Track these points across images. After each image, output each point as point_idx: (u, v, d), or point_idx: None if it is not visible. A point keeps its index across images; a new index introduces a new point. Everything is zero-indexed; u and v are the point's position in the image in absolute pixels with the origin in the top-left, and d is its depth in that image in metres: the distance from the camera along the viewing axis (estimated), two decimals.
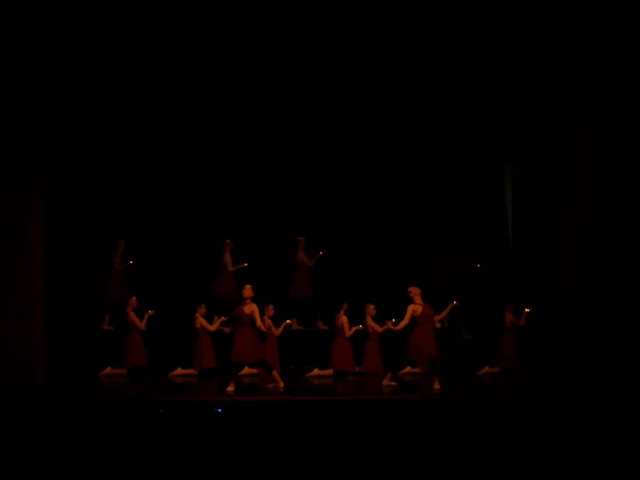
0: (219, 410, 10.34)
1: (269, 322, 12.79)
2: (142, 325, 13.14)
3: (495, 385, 12.62)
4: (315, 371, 13.12)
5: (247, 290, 11.82)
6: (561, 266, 11.91)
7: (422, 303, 11.88)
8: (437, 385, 11.69)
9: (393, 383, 12.04)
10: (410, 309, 11.85)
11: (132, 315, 13.19)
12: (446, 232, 14.89)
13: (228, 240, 14.69)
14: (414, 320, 11.86)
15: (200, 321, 13.24)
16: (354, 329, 13.24)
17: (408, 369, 13.07)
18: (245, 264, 14.53)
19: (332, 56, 11.13)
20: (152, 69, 11.24)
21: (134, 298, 13.28)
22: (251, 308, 11.73)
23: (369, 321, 13.20)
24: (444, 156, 14.65)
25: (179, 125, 13.80)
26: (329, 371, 13.14)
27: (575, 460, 9.62)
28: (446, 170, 14.85)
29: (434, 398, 11.25)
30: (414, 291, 11.92)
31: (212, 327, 13.23)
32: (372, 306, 13.19)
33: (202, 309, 13.32)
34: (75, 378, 12.51)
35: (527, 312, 13.16)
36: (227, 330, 12.90)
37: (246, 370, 12.58)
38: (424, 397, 11.27)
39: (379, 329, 13.11)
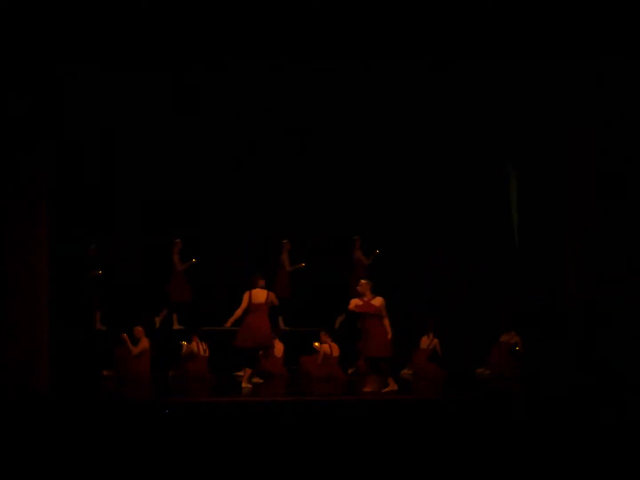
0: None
1: None
2: (134, 350, 13.00)
3: (493, 385, 12.63)
4: None
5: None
6: (563, 266, 11.88)
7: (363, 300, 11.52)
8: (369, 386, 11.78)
9: None
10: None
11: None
12: (450, 232, 14.91)
13: (285, 241, 14.74)
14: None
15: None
16: None
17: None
18: (303, 264, 14.58)
19: (332, 56, 11.11)
20: (152, 69, 11.23)
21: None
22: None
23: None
24: (446, 156, 14.65)
25: (179, 125, 13.80)
26: None
27: (575, 461, 9.66)
28: (448, 170, 14.85)
29: (432, 399, 11.24)
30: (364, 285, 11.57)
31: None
32: None
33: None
34: (80, 379, 12.45)
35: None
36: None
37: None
38: (421, 398, 11.27)
39: None
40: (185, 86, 11.98)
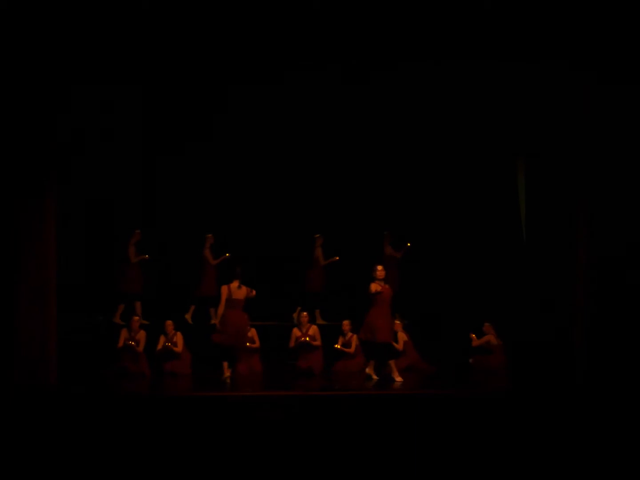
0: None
1: None
2: (139, 347, 13.07)
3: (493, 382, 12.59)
4: None
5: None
6: (571, 262, 11.74)
7: (381, 284, 11.86)
8: (398, 377, 11.77)
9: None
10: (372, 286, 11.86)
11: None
12: (457, 229, 14.95)
13: (318, 235, 14.90)
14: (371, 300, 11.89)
15: None
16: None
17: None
18: (337, 258, 14.73)
19: (338, 58, 11.29)
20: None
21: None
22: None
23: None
24: (454, 153, 14.69)
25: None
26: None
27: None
28: (457, 167, 14.90)
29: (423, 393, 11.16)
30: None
31: None
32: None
33: None
34: (89, 373, 12.48)
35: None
36: None
37: None
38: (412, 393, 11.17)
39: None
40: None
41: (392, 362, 11.89)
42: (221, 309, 11.79)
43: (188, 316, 14.50)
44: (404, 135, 14.52)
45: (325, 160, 15.03)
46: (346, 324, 13.16)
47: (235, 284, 11.78)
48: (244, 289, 11.80)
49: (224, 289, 11.78)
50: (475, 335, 13.21)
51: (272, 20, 10.66)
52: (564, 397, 10.67)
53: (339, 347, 13.10)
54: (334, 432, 10.03)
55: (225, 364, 11.85)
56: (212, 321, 14.15)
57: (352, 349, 13.02)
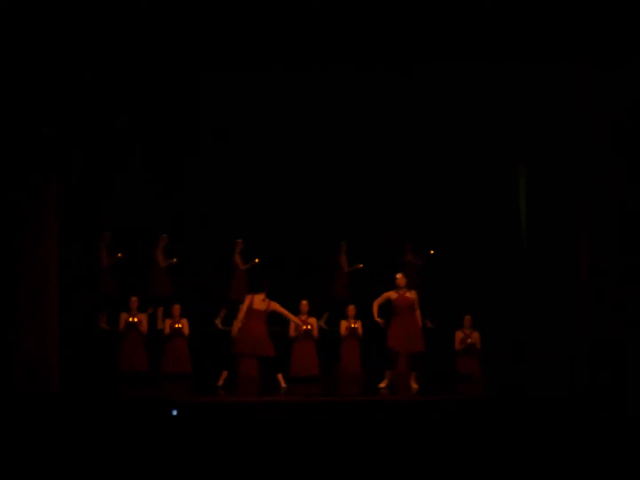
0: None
1: None
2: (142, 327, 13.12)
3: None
4: None
5: None
6: (574, 266, 11.69)
7: (399, 292, 11.74)
8: (414, 385, 11.64)
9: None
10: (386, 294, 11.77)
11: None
12: (458, 234, 14.93)
13: (343, 242, 15.00)
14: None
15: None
16: None
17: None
18: (361, 265, 14.83)
19: (343, 59, 11.27)
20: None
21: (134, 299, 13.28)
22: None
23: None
24: (455, 157, 14.66)
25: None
26: None
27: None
28: (458, 171, 14.87)
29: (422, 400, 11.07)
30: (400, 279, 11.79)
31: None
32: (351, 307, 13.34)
33: None
34: (90, 378, 12.46)
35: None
36: None
37: None
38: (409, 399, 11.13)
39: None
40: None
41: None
42: (240, 315, 11.81)
43: (218, 321, 14.55)
44: (408, 141, 14.51)
45: (342, 170, 15.13)
46: None
47: (260, 297, 11.82)
48: (267, 302, 11.81)
49: (248, 298, 11.83)
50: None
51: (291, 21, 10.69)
52: (562, 402, 10.65)
53: None
54: (332, 438, 10.01)
55: (225, 374, 11.84)
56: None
57: None
